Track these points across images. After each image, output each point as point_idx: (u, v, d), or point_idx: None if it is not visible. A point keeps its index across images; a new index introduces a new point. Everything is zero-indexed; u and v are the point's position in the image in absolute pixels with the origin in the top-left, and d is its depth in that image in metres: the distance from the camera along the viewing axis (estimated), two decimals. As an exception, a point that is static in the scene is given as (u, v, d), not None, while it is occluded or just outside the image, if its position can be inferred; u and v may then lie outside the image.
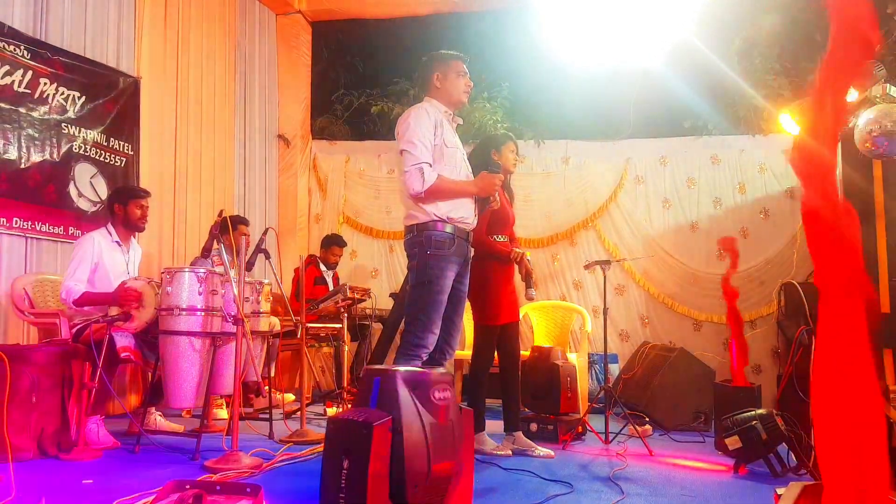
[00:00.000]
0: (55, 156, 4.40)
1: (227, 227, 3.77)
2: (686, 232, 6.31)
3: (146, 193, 4.07)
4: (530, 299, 3.82)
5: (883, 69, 4.19)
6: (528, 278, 3.71)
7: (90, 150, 4.65)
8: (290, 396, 5.32)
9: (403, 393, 2.06)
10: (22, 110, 4.19)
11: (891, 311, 3.97)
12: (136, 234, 4.08)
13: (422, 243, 3.02)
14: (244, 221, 4.89)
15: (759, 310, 5.98)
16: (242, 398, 4.35)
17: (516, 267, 3.75)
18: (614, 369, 5.73)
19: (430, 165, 2.99)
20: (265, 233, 4.03)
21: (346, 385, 5.01)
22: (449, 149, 3.11)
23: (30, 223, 4.20)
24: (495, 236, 3.69)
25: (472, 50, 3.27)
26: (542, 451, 3.59)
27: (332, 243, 6.04)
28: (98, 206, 4.63)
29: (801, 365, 4.02)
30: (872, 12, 1.40)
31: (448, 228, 3.05)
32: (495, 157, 3.72)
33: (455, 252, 3.06)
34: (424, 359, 3.01)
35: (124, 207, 3.93)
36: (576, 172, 6.57)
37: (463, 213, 3.11)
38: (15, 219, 4.10)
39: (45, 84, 4.34)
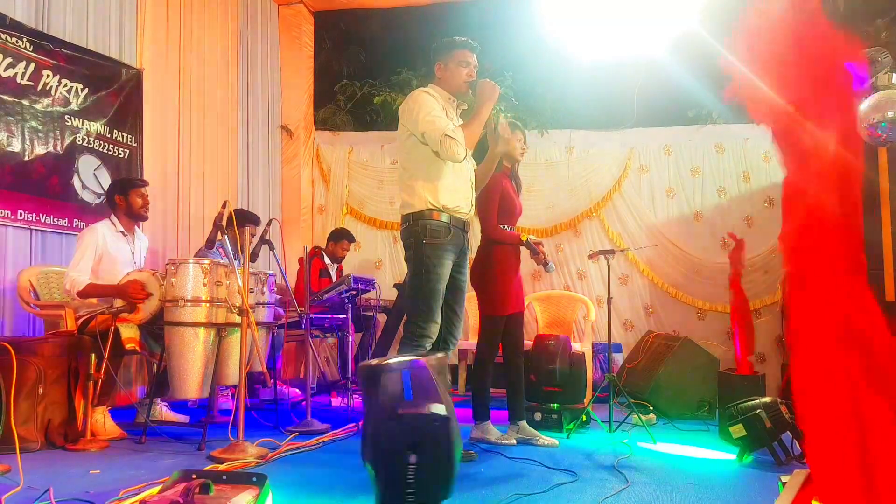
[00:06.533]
0: (59, 148, 4.41)
1: (232, 219, 3.76)
2: (690, 221, 6.30)
3: (145, 183, 4.11)
4: (550, 272, 3.83)
5: (889, 56, 4.15)
6: (541, 259, 3.72)
7: (93, 141, 4.65)
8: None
9: (438, 381, 2.03)
10: (25, 102, 4.19)
11: (896, 299, 3.96)
12: (140, 223, 4.09)
13: (417, 233, 3.02)
14: (254, 220, 4.80)
15: (764, 299, 5.97)
16: (248, 388, 4.36)
17: (524, 255, 3.75)
18: (618, 359, 5.73)
19: (453, 129, 2.98)
20: (269, 224, 4.03)
21: (350, 375, 5.03)
22: None
23: (34, 215, 4.21)
24: (504, 226, 3.68)
25: (474, 39, 3.26)
26: (546, 440, 3.60)
27: (342, 237, 6.01)
28: (102, 197, 4.64)
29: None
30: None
31: (443, 217, 3.04)
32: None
33: (451, 241, 3.05)
34: (429, 348, 3.01)
35: (125, 197, 3.95)
36: (579, 162, 6.56)
37: (459, 201, 3.11)
38: (20, 211, 4.11)
39: (48, 76, 4.33)
